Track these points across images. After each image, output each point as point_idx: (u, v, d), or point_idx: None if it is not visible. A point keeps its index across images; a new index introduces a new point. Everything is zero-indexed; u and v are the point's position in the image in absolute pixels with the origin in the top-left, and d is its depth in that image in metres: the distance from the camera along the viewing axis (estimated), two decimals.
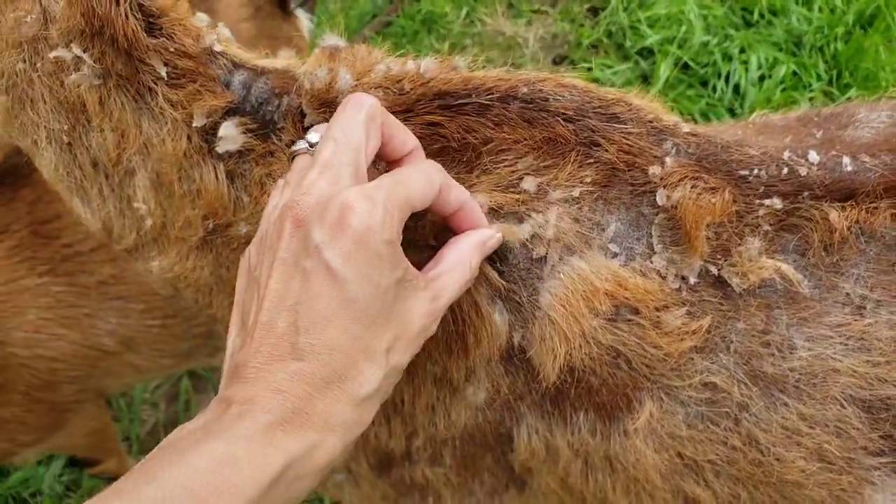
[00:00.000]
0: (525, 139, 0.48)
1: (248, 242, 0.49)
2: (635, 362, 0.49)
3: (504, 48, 1.90)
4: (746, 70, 1.73)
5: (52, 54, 0.47)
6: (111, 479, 1.22)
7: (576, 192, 0.48)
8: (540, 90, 0.48)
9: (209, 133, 0.49)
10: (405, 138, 0.45)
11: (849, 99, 1.62)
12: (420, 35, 1.90)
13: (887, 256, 0.48)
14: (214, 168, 0.50)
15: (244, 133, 0.49)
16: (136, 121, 0.49)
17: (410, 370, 0.54)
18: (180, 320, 0.99)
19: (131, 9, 0.46)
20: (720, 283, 0.48)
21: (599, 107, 0.49)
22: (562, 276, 0.48)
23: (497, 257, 0.48)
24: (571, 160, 0.48)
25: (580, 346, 0.48)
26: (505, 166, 0.48)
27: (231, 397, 0.39)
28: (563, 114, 0.48)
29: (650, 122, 0.49)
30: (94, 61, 0.47)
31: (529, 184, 0.48)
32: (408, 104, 0.48)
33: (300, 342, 0.39)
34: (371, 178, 0.43)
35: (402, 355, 0.41)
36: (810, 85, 1.72)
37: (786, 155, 0.50)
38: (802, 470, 0.49)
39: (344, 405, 0.39)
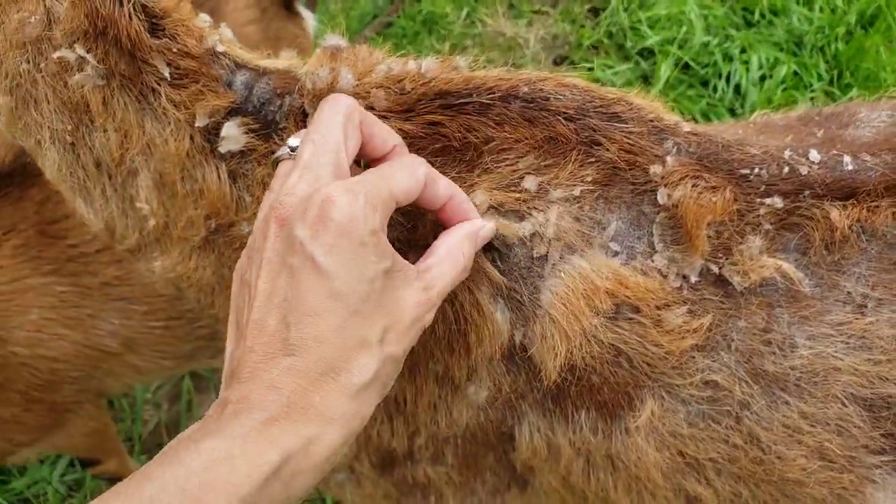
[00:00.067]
0: (526, 138, 0.48)
1: None
2: (636, 361, 0.49)
3: (505, 49, 1.90)
4: (747, 70, 1.73)
5: (56, 55, 0.47)
6: (112, 479, 1.22)
7: (577, 191, 0.48)
8: (541, 89, 0.49)
9: (212, 133, 0.50)
10: (386, 136, 0.45)
11: (850, 99, 1.62)
12: (421, 36, 1.90)
13: (888, 255, 0.48)
14: (217, 168, 0.50)
15: (246, 133, 0.49)
16: (139, 121, 0.49)
17: (412, 369, 0.54)
18: (184, 322, 0.99)
19: (135, 10, 0.46)
20: (721, 281, 0.49)
21: (600, 106, 0.49)
22: (563, 274, 0.48)
23: (498, 256, 0.49)
24: (572, 159, 0.48)
25: (581, 344, 0.48)
26: (506, 165, 0.48)
27: (227, 398, 0.39)
28: (564, 113, 0.48)
29: (651, 121, 0.50)
30: (98, 62, 0.47)
31: (530, 183, 0.48)
32: (409, 104, 0.48)
33: (291, 337, 0.39)
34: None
35: (397, 345, 0.41)
36: (811, 85, 1.72)
37: (787, 154, 0.50)
38: (804, 468, 0.50)
39: (340, 396, 0.39)
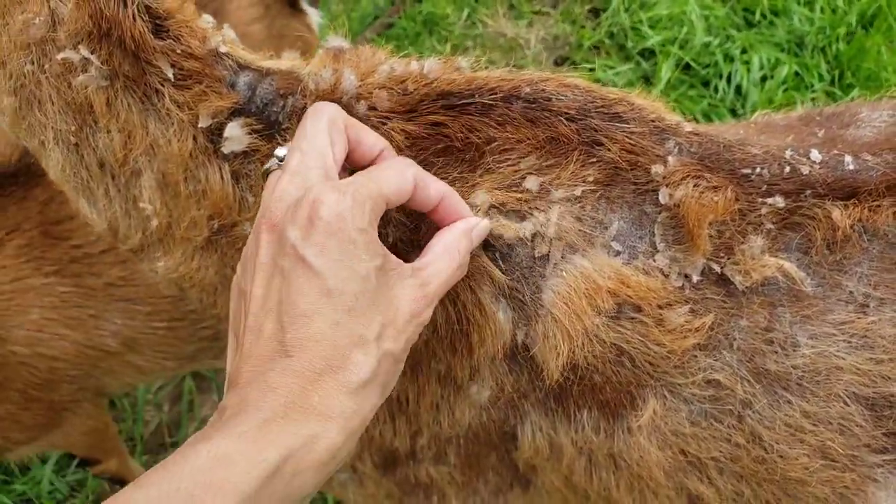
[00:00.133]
0: (528, 139, 0.48)
1: None
2: (638, 360, 0.49)
3: (506, 50, 1.90)
4: (748, 71, 1.73)
5: (60, 56, 0.48)
6: (113, 479, 1.22)
7: (578, 191, 0.48)
8: (542, 90, 0.49)
9: (215, 134, 0.50)
10: (373, 141, 0.45)
11: (851, 99, 1.62)
12: (422, 37, 1.91)
13: (890, 254, 0.48)
14: (220, 168, 0.50)
15: (249, 134, 0.49)
16: (142, 122, 0.50)
17: (414, 368, 0.54)
18: (187, 323, 0.99)
19: (139, 11, 0.46)
20: (723, 280, 0.49)
21: (602, 106, 0.49)
22: (564, 274, 0.48)
23: (500, 256, 0.49)
24: (574, 159, 0.48)
25: (583, 343, 0.48)
26: (508, 165, 0.48)
27: (226, 404, 0.39)
28: (566, 113, 0.48)
29: (652, 121, 0.50)
30: (102, 63, 0.47)
31: (532, 183, 0.48)
32: (412, 104, 0.48)
33: (287, 339, 0.39)
34: None
35: (394, 342, 0.41)
36: (812, 85, 1.72)
37: (788, 154, 0.50)
38: (806, 467, 0.50)
39: (339, 394, 0.39)
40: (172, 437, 1.39)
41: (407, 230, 0.50)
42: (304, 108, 0.49)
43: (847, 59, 1.74)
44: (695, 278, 0.49)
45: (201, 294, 0.58)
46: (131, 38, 0.46)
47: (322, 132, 0.43)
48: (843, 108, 0.60)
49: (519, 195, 0.48)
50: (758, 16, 1.84)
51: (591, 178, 0.48)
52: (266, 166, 0.46)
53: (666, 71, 1.74)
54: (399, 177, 0.43)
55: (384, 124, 0.48)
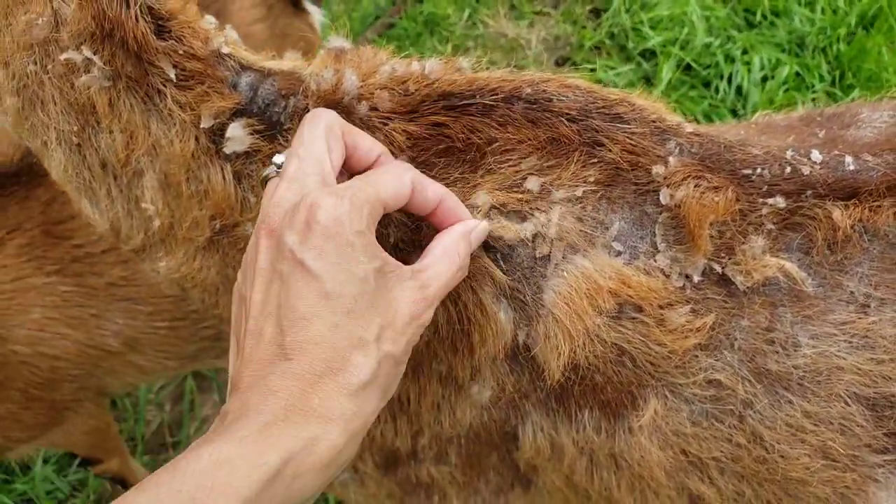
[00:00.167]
0: (529, 139, 0.48)
1: None
2: (639, 360, 0.49)
3: (507, 50, 1.91)
4: (749, 71, 1.73)
5: (63, 56, 0.48)
6: (114, 478, 1.22)
7: (579, 192, 0.48)
8: (544, 91, 0.49)
9: (217, 134, 0.50)
10: (370, 146, 0.45)
11: (852, 99, 1.62)
12: (423, 37, 1.91)
13: (890, 255, 0.48)
14: (222, 169, 0.51)
15: (251, 134, 0.50)
16: (144, 122, 0.50)
17: (416, 369, 0.54)
18: (188, 323, 0.99)
19: (141, 12, 0.46)
20: (724, 280, 0.49)
21: (603, 107, 0.49)
22: (565, 274, 0.48)
23: (501, 256, 0.49)
24: (575, 160, 0.48)
25: (584, 343, 0.48)
26: (509, 166, 0.48)
27: (227, 409, 0.39)
28: (567, 114, 0.48)
29: (653, 121, 0.50)
30: (105, 63, 0.47)
31: (533, 183, 0.48)
32: (413, 105, 0.49)
33: (286, 342, 0.39)
34: None
35: (394, 344, 0.41)
36: (813, 86, 1.72)
37: (789, 154, 0.50)
38: (807, 467, 0.50)
39: (339, 396, 0.39)
40: (174, 437, 1.40)
41: (408, 231, 0.50)
42: (305, 109, 0.49)
43: (848, 60, 1.74)
44: (696, 278, 0.49)
45: (203, 294, 0.58)
46: (134, 39, 0.46)
47: (319, 138, 0.43)
48: (843, 109, 0.60)
49: (520, 196, 0.48)
50: (759, 16, 1.84)
51: (592, 179, 0.49)
52: (265, 173, 0.46)
53: (667, 71, 1.74)
54: (396, 181, 0.43)
55: (386, 125, 0.48)
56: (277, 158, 0.46)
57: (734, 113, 1.71)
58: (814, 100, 1.70)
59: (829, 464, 0.49)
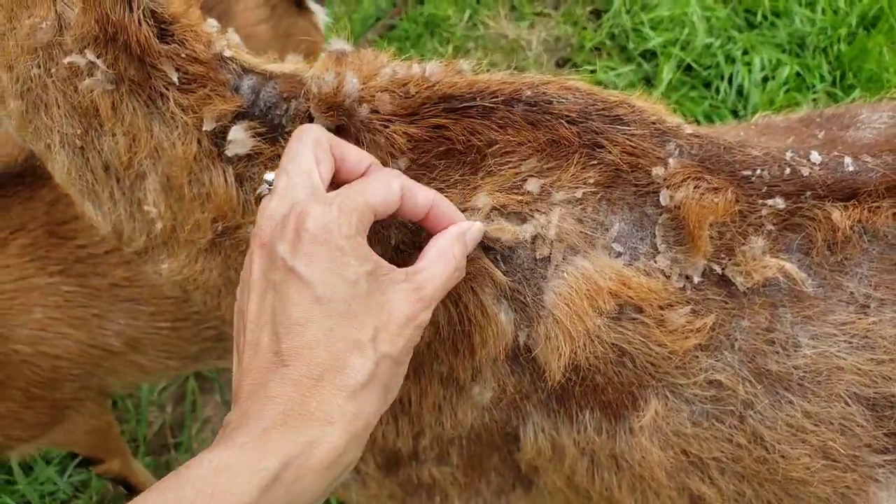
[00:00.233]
0: (529, 141, 0.49)
1: None
2: (640, 360, 0.49)
3: (507, 51, 1.91)
4: (750, 72, 1.73)
5: (67, 60, 0.48)
6: (115, 479, 1.22)
7: (579, 193, 0.49)
8: (543, 93, 0.49)
9: (219, 137, 0.50)
10: (359, 157, 0.46)
11: (853, 100, 1.62)
12: (423, 38, 1.91)
13: (889, 255, 0.48)
14: (224, 171, 0.51)
15: (253, 137, 0.50)
16: (147, 125, 0.50)
17: (417, 370, 0.54)
18: (190, 324, 0.99)
19: (144, 15, 0.47)
20: (724, 281, 0.49)
21: (602, 109, 0.49)
22: (566, 275, 0.48)
23: (501, 258, 0.49)
24: (575, 162, 0.49)
25: (585, 344, 0.48)
26: (509, 168, 0.49)
27: (228, 419, 0.40)
28: (567, 116, 0.49)
29: (653, 123, 0.50)
30: (108, 67, 0.48)
31: (533, 185, 0.48)
32: (413, 107, 0.49)
33: (282, 349, 0.40)
34: None
35: (391, 345, 0.42)
36: (814, 86, 1.72)
37: (788, 155, 0.50)
38: (807, 467, 0.50)
39: (337, 398, 0.39)
40: (175, 438, 1.40)
41: (409, 232, 0.50)
42: (307, 112, 0.49)
43: (848, 60, 1.74)
44: (696, 279, 0.49)
45: (205, 296, 0.59)
46: (137, 43, 0.47)
47: (307, 153, 0.44)
48: (842, 110, 0.60)
49: (520, 197, 0.48)
50: (759, 17, 1.84)
51: (591, 181, 0.49)
52: (258, 192, 0.47)
53: (667, 72, 1.75)
54: (385, 187, 0.44)
55: (386, 127, 0.49)
56: (269, 176, 0.46)
57: (735, 113, 1.71)
58: (814, 100, 1.70)
59: (830, 464, 0.50)
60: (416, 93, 0.49)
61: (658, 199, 0.49)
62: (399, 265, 0.44)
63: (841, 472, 0.50)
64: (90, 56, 0.47)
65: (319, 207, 0.41)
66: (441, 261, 0.44)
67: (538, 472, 0.58)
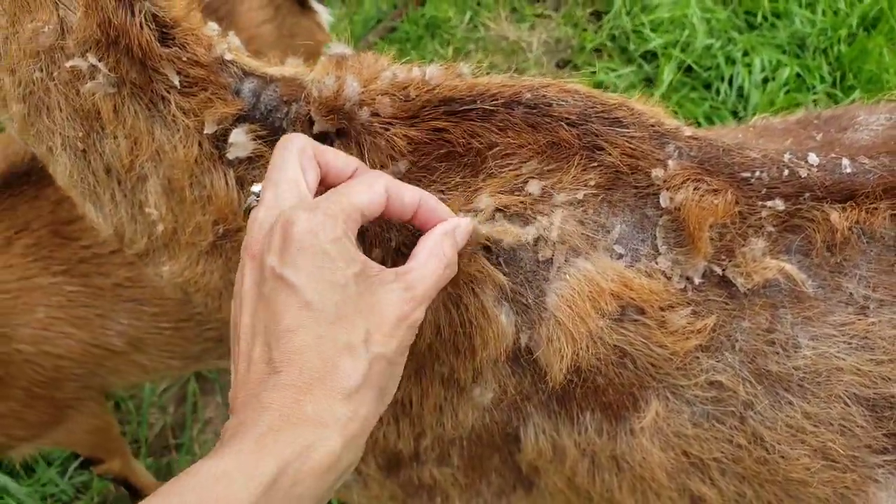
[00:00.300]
0: (529, 143, 0.49)
1: None
2: (641, 362, 0.50)
3: (508, 53, 1.91)
4: (750, 73, 1.73)
5: (69, 63, 0.48)
6: (115, 479, 1.23)
7: (580, 195, 0.49)
8: (543, 95, 0.49)
9: (220, 140, 0.50)
10: (345, 162, 0.46)
11: (852, 101, 1.62)
12: (424, 40, 1.91)
13: (887, 257, 0.49)
14: (225, 174, 0.51)
15: (254, 140, 0.50)
16: (148, 128, 0.50)
17: (418, 371, 0.54)
18: (192, 324, 1.00)
19: (146, 19, 0.47)
20: (725, 282, 0.49)
21: (602, 111, 0.50)
22: (568, 277, 0.48)
23: (503, 259, 0.49)
24: (575, 164, 0.49)
25: (587, 346, 0.49)
26: (510, 170, 0.49)
27: (226, 429, 0.40)
28: (567, 118, 0.49)
29: (652, 125, 0.50)
30: (110, 70, 0.48)
31: (534, 187, 0.49)
32: (414, 110, 0.49)
33: (274, 357, 0.40)
34: None
35: (384, 346, 0.41)
36: (814, 87, 1.72)
37: (786, 157, 0.50)
38: (807, 468, 0.50)
39: (332, 401, 0.39)
40: (177, 439, 1.40)
41: (409, 234, 0.50)
42: (307, 115, 0.50)
43: (849, 61, 1.74)
44: (696, 280, 0.49)
45: (206, 298, 0.59)
46: (138, 46, 0.47)
47: (292, 161, 0.44)
48: (840, 112, 0.60)
49: (522, 199, 0.49)
50: (759, 18, 1.84)
51: (592, 182, 0.49)
52: (246, 203, 0.47)
53: (668, 73, 1.75)
54: (369, 189, 0.44)
55: (387, 130, 0.49)
56: (256, 188, 0.46)
57: (735, 114, 1.71)
58: (815, 101, 1.70)
59: (830, 464, 0.50)
60: (417, 96, 0.49)
61: (658, 201, 0.49)
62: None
63: (840, 473, 0.50)
64: (92, 59, 0.48)
65: (305, 214, 0.41)
66: (433, 259, 0.44)
67: (539, 473, 0.59)
